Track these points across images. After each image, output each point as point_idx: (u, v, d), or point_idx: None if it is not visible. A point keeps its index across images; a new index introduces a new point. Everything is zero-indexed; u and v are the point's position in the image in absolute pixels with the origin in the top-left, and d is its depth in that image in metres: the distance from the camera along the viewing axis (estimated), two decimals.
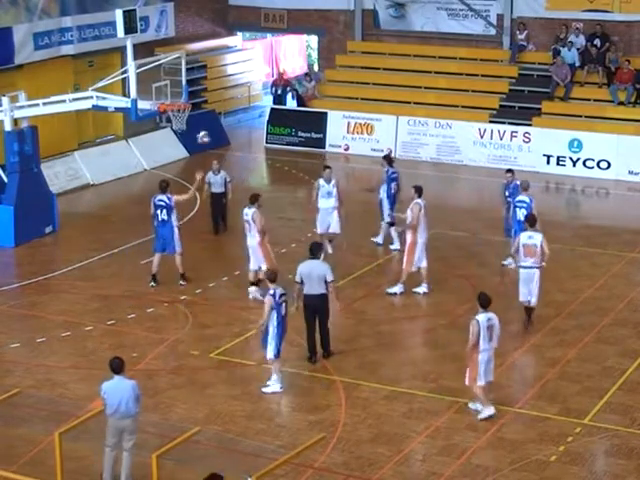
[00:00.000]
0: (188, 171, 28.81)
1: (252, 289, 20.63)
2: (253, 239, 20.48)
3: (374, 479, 14.42)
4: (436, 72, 34.27)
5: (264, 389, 16.93)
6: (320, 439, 14.31)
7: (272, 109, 34.55)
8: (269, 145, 33.75)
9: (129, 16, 23.06)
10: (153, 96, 23.66)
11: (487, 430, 15.65)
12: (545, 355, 18.34)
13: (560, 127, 30.77)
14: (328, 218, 22.76)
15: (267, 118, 34.18)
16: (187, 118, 23.67)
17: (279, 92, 35.55)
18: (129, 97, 23.24)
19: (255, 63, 38.55)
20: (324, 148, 33.03)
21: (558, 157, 30.43)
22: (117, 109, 24.03)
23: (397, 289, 21.00)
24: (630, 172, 29.70)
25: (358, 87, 34.92)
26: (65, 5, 30.42)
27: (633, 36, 32.43)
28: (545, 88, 32.21)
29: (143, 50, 28.66)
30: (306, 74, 36.36)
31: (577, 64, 32.02)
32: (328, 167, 23.48)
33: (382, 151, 30.08)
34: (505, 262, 22.09)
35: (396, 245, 23.36)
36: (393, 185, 23.49)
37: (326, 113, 33.29)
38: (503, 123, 31.56)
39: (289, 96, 35.78)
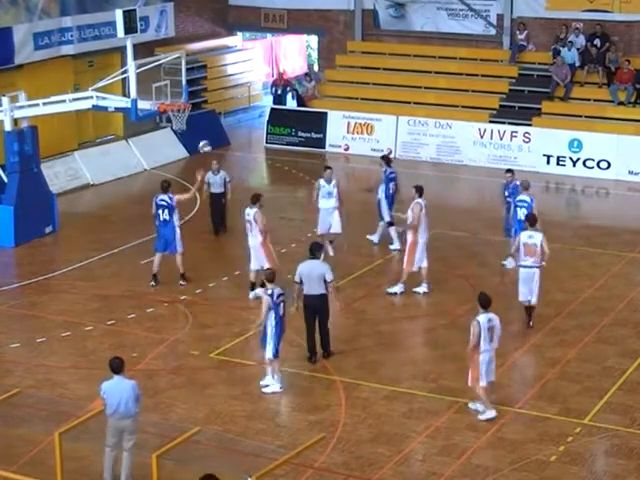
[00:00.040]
0: (188, 171, 28.81)
1: (259, 291, 20.57)
2: (255, 239, 20.48)
3: (374, 479, 14.42)
4: (436, 72, 34.27)
5: (264, 389, 16.93)
6: (320, 439, 14.31)
7: (272, 109, 34.55)
8: (269, 145, 33.75)
9: (129, 16, 23.06)
10: (153, 96, 23.66)
11: (487, 430, 15.65)
12: (545, 355, 18.34)
13: (560, 127, 30.77)
14: (329, 218, 22.77)
15: (267, 118, 34.17)
16: (187, 118, 23.67)
17: (279, 92, 35.55)
18: (129, 97, 23.24)
19: (255, 63, 38.55)
20: (324, 148, 33.03)
21: (558, 157, 30.43)
22: (117, 109, 24.03)
23: (397, 289, 21.01)
24: (630, 172, 29.70)
25: (358, 87, 34.92)
26: (65, 5, 30.42)
27: (633, 36, 32.43)
28: (545, 88, 32.22)
29: (143, 50, 28.66)
30: (306, 74, 36.35)
31: (577, 64, 32.02)
32: (329, 168, 23.48)
33: (382, 151, 30.14)
34: (505, 262, 22.10)
35: (396, 245, 23.36)
36: (391, 185, 23.49)
37: (326, 113, 33.29)
38: (503, 123, 31.56)
39: (289, 96, 35.78)
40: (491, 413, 15.95)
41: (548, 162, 30.49)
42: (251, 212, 20.41)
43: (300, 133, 33.39)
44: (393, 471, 14.60)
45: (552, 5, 33.11)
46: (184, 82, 24.49)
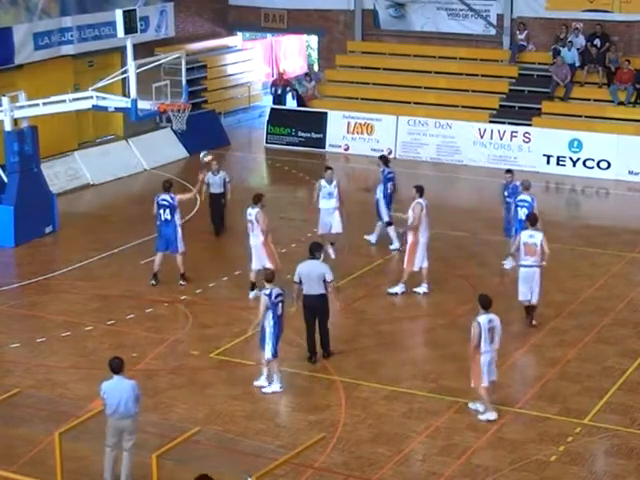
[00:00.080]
0: (188, 171, 28.85)
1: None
2: (256, 239, 20.47)
3: (374, 479, 14.42)
4: (436, 72, 34.26)
5: (264, 389, 16.93)
6: (320, 439, 14.31)
7: (272, 109, 34.54)
8: (269, 145, 33.75)
9: (129, 16, 23.06)
10: (153, 96, 23.66)
11: (487, 430, 15.65)
12: (545, 355, 18.34)
13: (560, 127, 30.76)
14: (329, 219, 22.77)
15: (267, 118, 34.16)
16: (187, 118, 23.66)
17: (279, 92, 35.54)
18: (129, 97, 23.24)
19: (255, 63, 38.54)
20: (324, 148, 33.03)
21: (558, 157, 30.43)
22: (117, 109, 24.03)
23: (398, 289, 21.00)
24: (630, 172, 29.70)
25: (358, 87, 34.91)
26: (65, 5, 30.41)
27: (633, 36, 32.43)
28: (545, 88, 32.21)
29: (143, 50, 28.65)
30: (306, 74, 36.35)
31: (577, 64, 32.01)
32: (330, 168, 23.49)
33: (382, 151, 30.15)
34: (504, 262, 22.09)
35: (396, 245, 23.35)
36: (389, 185, 23.49)
37: (326, 113, 33.29)
38: (503, 123, 31.55)
39: (289, 96, 35.77)
40: (492, 415, 15.92)
41: (548, 162, 30.49)
42: (253, 212, 20.40)
43: (300, 133, 33.38)
44: (393, 471, 14.60)
45: (552, 5, 33.11)
46: (184, 82, 24.48)
